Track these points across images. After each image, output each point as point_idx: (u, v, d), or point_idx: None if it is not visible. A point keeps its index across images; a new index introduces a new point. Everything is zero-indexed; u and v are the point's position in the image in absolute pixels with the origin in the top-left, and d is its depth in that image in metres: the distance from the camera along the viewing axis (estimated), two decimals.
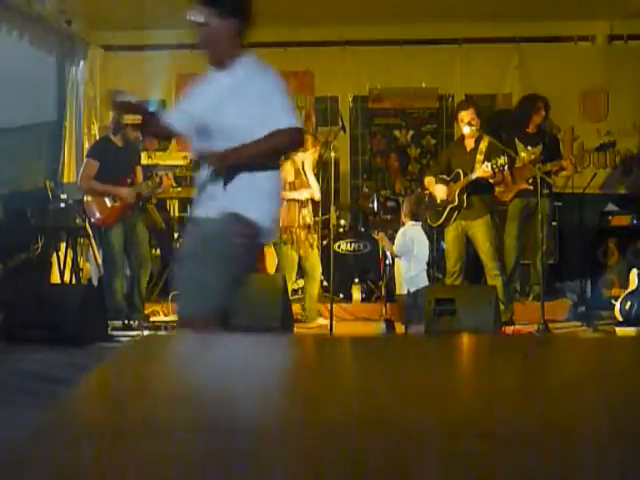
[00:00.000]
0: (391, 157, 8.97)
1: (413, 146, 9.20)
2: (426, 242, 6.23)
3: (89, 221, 7.08)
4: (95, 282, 7.89)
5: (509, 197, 7.52)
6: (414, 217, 6.23)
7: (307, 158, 7.27)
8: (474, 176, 6.61)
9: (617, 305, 6.57)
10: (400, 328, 6.56)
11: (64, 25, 8.56)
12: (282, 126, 3.38)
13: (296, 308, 7.09)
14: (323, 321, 7.14)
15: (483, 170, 6.53)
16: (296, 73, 9.17)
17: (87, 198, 6.92)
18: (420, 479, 0.96)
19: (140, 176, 7.13)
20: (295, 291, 7.80)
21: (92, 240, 7.82)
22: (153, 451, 1.05)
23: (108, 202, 6.82)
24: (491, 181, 6.64)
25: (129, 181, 6.92)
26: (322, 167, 7.55)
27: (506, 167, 6.54)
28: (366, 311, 7.72)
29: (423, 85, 9.09)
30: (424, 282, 6.45)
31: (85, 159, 7.19)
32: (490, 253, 6.72)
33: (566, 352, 1.89)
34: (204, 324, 3.22)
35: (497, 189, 7.16)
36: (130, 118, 5.94)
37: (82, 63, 9.10)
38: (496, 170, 6.48)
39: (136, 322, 6.78)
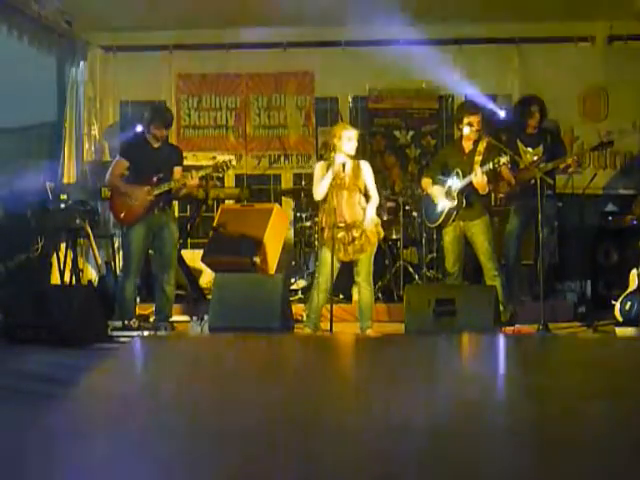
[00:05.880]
0: (391, 157, 8.95)
1: (413, 146, 9.19)
2: None
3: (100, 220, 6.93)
4: (95, 283, 7.88)
5: (511, 198, 7.50)
6: None
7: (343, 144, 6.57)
8: (475, 176, 6.56)
9: (617, 305, 6.57)
10: (400, 328, 6.51)
11: (64, 25, 8.57)
12: None
13: (297, 308, 7.07)
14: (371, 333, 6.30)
15: (481, 173, 6.48)
16: (296, 73, 9.18)
17: (112, 196, 6.88)
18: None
19: (178, 176, 6.78)
20: (295, 291, 7.79)
21: (92, 240, 7.81)
22: (153, 450, 1.05)
23: (129, 201, 6.71)
24: (489, 188, 6.61)
25: (155, 180, 6.70)
26: None
27: (509, 165, 6.51)
28: None
29: (423, 85, 9.09)
30: None
31: (117, 157, 7.04)
32: (489, 253, 6.70)
33: (567, 352, 1.89)
34: None
35: (500, 189, 7.14)
36: None
37: (82, 63, 9.11)
38: (498, 168, 6.46)
39: (136, 322, 6.73)
